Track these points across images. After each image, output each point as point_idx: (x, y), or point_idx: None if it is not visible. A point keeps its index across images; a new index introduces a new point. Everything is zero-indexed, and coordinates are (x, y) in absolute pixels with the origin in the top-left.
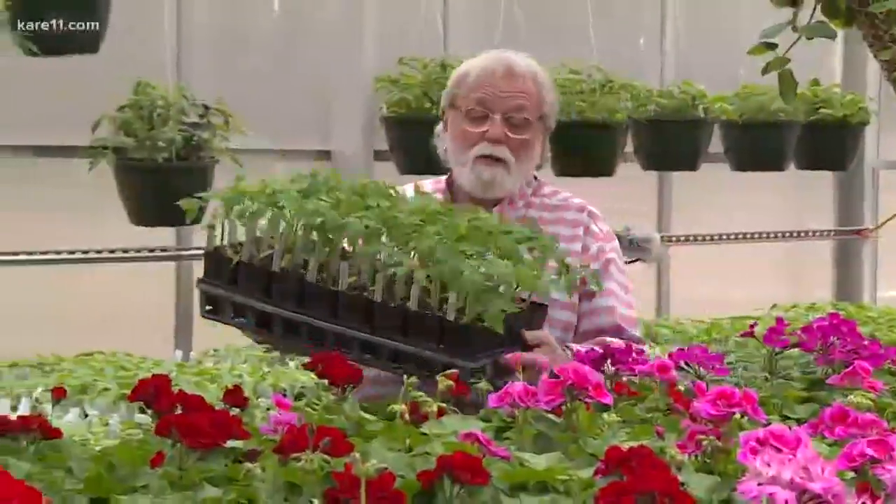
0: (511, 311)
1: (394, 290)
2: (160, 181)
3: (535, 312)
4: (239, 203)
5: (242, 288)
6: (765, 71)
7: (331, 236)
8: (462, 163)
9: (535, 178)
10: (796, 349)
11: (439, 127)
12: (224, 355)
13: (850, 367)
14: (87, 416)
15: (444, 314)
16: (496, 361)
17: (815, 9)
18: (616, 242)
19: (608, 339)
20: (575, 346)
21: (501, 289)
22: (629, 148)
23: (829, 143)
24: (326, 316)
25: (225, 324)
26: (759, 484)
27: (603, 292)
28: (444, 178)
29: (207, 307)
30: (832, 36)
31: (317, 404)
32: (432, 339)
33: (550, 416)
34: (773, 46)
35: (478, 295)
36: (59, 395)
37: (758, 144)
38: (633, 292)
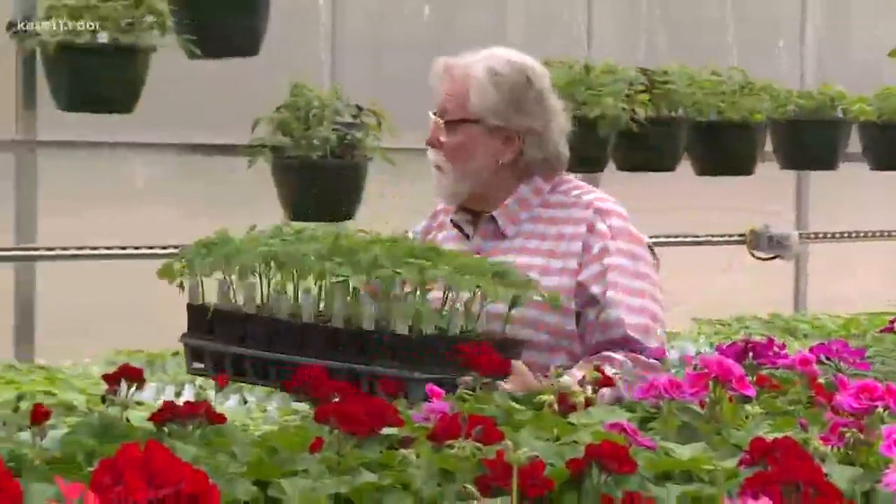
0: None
1: (351, 316)
2: (315, 178)
3: (511, 347)
4: (200, 258)
5: (219, 336)
6: None
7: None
8: None
9: (556, 174)
10: None
11: None
12: None
13: None
14: (246, 402)
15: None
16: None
17: None
18: (624, 242)
19: (612, 353)
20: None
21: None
22: (768, 147)
23: None
24: (294, 350)
25: (210, 377)
26: None
27: (608, 303)
28: None
29: (195, 363)
30: None
31: (469, 394)
32: (388, 357)
33: (694, 407)
34: None
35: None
36: (222, 382)
37: None
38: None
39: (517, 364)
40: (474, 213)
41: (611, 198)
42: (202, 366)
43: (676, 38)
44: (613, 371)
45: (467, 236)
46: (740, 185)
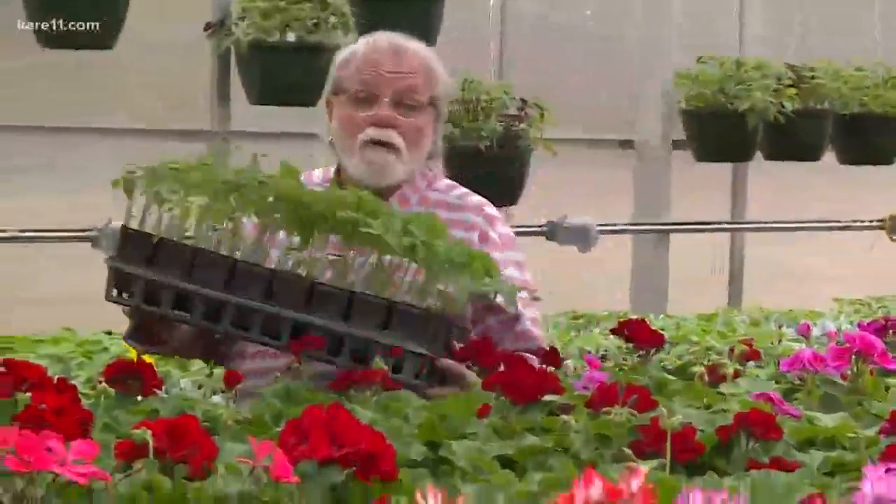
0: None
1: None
2: (482, 166)
3: (462, 332)
4: (162, 181)
5: (162, 267)
6: None
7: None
8: (349, 149)
9: (430, 169)
10: None
11: (326, 117)
12: None
13: None
14: None
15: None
16: (433, 361)
17: None
18: (513, 252)
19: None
20: None
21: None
22: None
23: None
24: (258, 297)
25: (132, 307)
26: None
27: (518, 316)
28: (332, 168)
29: (115, 290)
30: None
31: (624, 364)
32: (378, 323)
33: (837, 379)
34: None
35: (451, 270)
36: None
37: None
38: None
39: (458, 367)
40: None
41: (487, 201)
42: (129, 295)
43: (824, 31)
44: None
45: None
46: (881, 175)
